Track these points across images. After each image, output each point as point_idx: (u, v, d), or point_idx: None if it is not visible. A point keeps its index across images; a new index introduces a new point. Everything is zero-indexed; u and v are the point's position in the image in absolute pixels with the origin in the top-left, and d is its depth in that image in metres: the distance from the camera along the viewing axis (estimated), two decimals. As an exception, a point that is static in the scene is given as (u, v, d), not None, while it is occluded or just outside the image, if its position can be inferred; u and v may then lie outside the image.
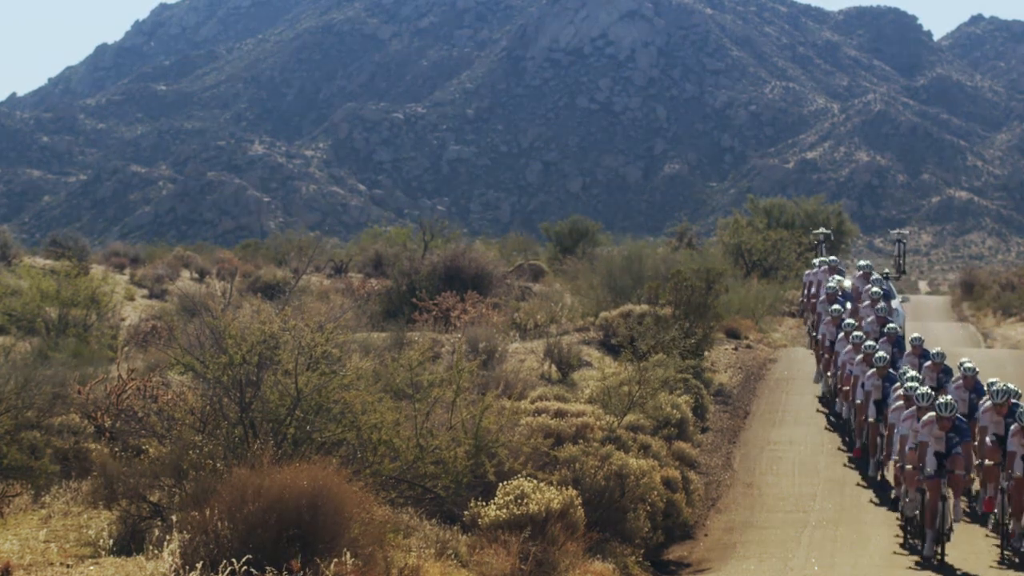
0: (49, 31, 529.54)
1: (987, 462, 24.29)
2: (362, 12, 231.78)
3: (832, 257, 40.98)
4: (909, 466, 23.71)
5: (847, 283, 38.95)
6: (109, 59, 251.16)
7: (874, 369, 27.60)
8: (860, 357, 28.46)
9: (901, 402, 25.02)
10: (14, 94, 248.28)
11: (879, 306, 31.64)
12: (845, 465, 28.74)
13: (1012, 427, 23.48)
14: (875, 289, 32.85)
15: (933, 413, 22.98)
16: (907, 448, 23.94)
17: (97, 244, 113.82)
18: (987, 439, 24.32)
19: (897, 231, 52.86)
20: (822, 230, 52.69)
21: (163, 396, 21.21)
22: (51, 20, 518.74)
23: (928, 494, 22.96)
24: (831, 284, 34.99)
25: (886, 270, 43.65)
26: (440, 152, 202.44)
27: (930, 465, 22.84)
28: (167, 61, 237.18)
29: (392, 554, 16.40)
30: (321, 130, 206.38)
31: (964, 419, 23.74)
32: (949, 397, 23.47)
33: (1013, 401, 24.00)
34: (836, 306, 33.18)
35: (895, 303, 41.93)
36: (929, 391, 24.18)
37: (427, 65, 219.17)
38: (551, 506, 18.37)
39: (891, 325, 30.08)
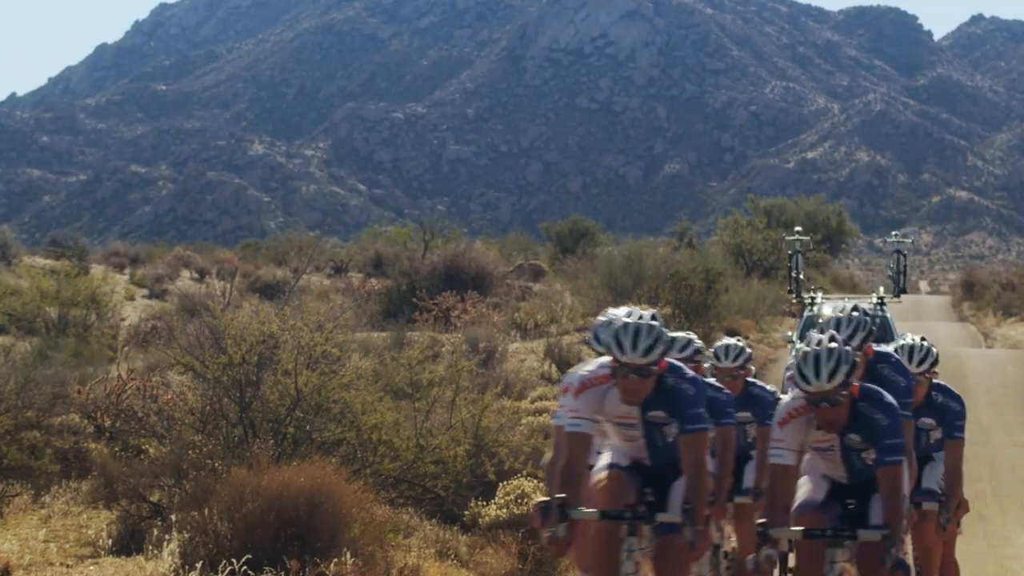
0: (49, 31, 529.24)
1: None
2: (362, 12, 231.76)
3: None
4: None
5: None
6: (109, 59, 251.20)
7: None
8: None
9: None
10: (14, 94, 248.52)
11: None
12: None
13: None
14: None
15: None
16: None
17: (97, 244, 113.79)
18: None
19: (896, 236, 47.27)
20: (797, 232, 48.37)
21: (163, 396, 21.20)
22: (51, 20, 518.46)
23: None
24: None
25: (881, 291, 36.87)
26: (440, 152, 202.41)
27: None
28: (167, 61, 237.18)
29: (392, 554, 16.38)
30: (321, 130, 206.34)
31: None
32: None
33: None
34: None
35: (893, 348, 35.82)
36: None
37: (427, 65, 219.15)
38: (551, 506, 18.30)
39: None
